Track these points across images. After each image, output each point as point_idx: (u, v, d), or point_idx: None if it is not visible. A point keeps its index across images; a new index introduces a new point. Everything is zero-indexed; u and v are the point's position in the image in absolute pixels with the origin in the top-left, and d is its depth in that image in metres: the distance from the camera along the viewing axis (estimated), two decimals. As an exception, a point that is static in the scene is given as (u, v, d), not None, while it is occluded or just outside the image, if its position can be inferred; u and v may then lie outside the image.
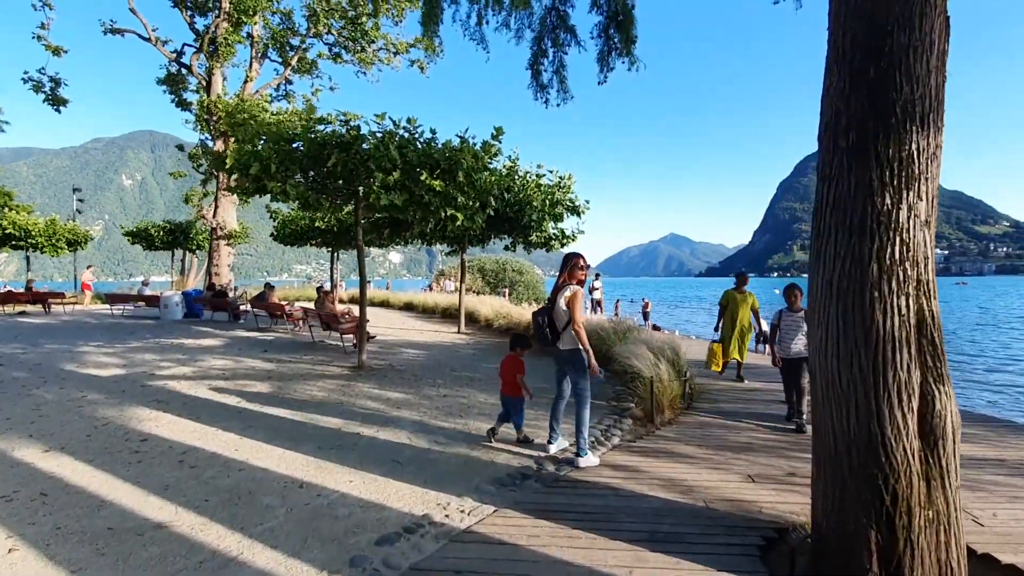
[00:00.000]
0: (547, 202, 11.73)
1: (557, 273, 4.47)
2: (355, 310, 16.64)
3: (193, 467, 4.00)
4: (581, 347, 4.15)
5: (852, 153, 2.34)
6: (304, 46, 24.41)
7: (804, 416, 5.28)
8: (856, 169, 2.32)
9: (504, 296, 23.22)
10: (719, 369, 7.93)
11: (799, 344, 5.46)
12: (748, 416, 5.69)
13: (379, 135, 6.86)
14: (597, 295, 18.04)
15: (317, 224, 14.91)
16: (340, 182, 7.24)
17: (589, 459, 4.23)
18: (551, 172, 11.98)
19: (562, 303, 4.27)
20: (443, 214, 7.86)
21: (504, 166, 10.85)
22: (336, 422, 5.28)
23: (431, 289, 27.96)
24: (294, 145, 6.89)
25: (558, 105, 6.33)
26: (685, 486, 3.78)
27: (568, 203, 12.15)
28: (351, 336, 10.17)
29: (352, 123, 6.56)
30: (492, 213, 10.23)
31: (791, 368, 5.52)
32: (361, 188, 7.21)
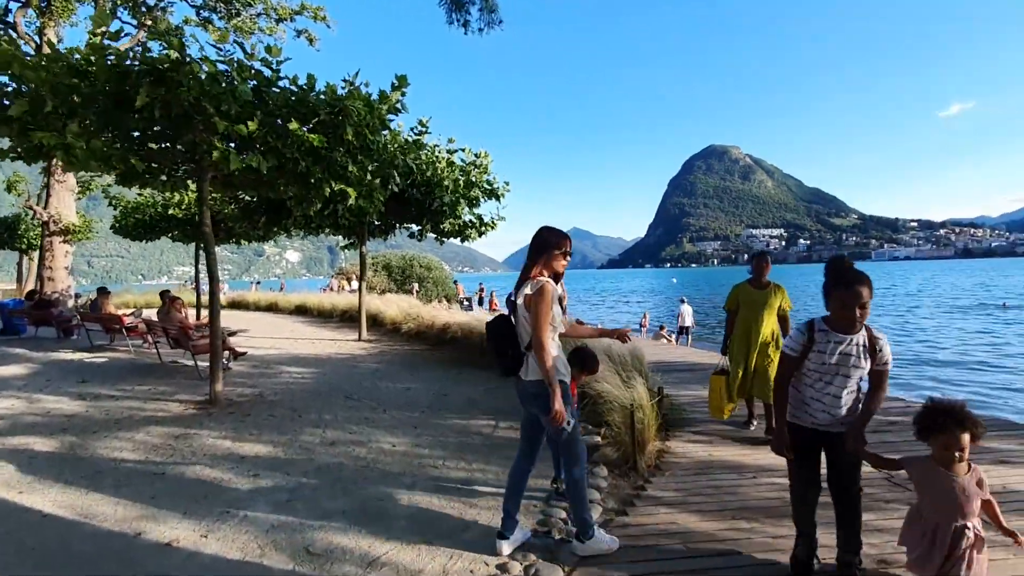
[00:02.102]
0: (461, 183, 9.93)
1: (523, 264, 2.79)
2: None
3: None
4: (545, 376, 2.49)
5: None
6: (162, 4, 20.39)
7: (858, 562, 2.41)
8: None
9: (413, 294, 21.06)
10: (727, 416, 4.60)
11: (843, 400, 2.31)
12: (744, 440, 4.34)
13: (223, 68, 4.67)
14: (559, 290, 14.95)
15: (172, 212, 11.87)
16: (161, 135, 4.94)
17: (600, 539, 2.68)
18: (463, 150, 10.19)
19: (522, 305, 2.57)
20: (329, 189, 5.80)
21: (403, 133, 8.83)
22: (136, 519, 3.14)
23: (330, 289, 24.97)
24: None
25: (480, 30, 4.59)
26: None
27: (486, 185, 10.43)
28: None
29: (169, 39, 4.28)
30: (395, 190, 8.24)
31: (813, 452, 2.41)
32: (201, 147, 4.94)
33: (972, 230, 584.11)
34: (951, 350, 16.10)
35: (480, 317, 9.38)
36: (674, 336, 15.13)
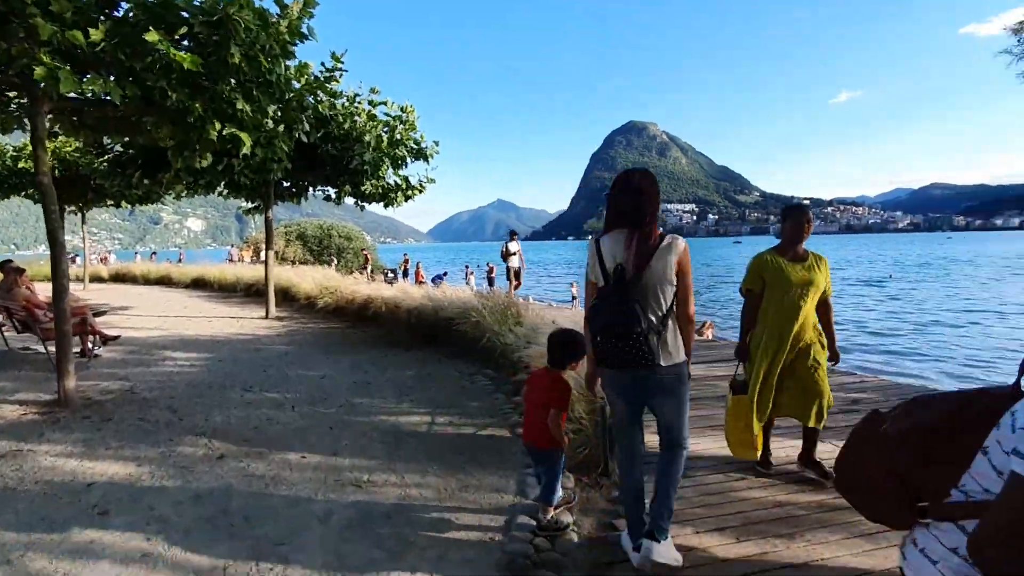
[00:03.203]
0: (385, 140, 8.77)
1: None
2: (88, 299, 11.75)
3: None
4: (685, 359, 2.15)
5: None
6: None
7: None
8: None
9: (331, 266, 19.38)
10: (758, 453, 3.15)
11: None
12: (711, 407, 3.85)
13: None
14: (515, 262, 11.78)
15: (23, 165, 9.65)
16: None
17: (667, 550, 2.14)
18: (387, 104, 8.98)
19: (672, 264, 2.08)
20: (215, 134, 4.57)
21: (313, 76, 7.51)
22: None
23: (231, 260, 22.57)
24: None
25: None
26: None
27: (412, 144, 9.32)
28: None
29: None
30: (305, 140, 6.99)
31: None
32: (20, 62, 3.57)
33: (854, 208, 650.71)
34: (881, 321, 17.21)
35: (409, 290, 8.42)
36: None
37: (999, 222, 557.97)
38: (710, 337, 9.20)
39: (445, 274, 22.45)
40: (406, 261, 21.69)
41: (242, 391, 5.01)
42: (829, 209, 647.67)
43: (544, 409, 2.51)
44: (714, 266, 55.06)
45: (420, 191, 9.71)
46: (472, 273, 23.15)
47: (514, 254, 11.75)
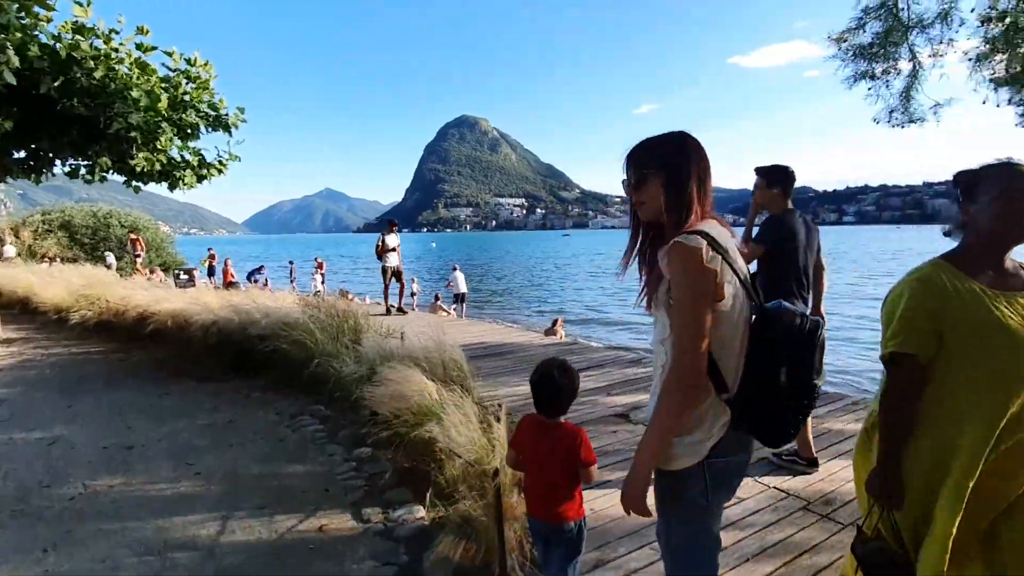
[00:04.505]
0: (164, 100, 6.59)
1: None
2: None
3: None
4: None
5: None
6: None
7: None
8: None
9: (111, 266, 15.18)
10: None
11: None
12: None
13: None
14: (394, 260, 8.99)
15: None
16: None
17: None
18: (170, 54, 6.78)
19: None
20: None
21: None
22: None
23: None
24: None
25: None
26: None
27: (207, 109, 7.22)
28: None
29: None
30: (11, 82, 4.72)
31: None
32: None
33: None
34: None
35: (204, 298, 6.44)
36: (452, 308, 14.07)
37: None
38: (563, 337, 8.84)
39: (262, 268, 19.20)
40: (212, 256, 18.00)
41: None
42: (626, 206, 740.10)
43: (567, 471, 1.69)
44: (555, 257, 57.95)
45: (220, 171, 7.64)
46: (295, 269, 20.41)
47: (393, 250, 8.97)
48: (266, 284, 17.28)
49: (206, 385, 4.97)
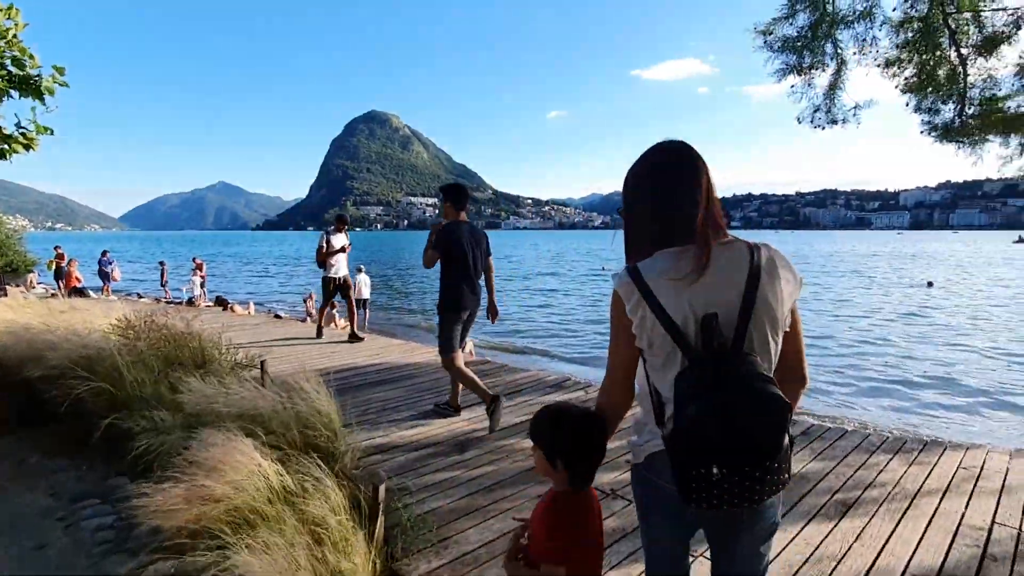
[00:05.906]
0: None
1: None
2: None
3: None
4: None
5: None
6: None
7: None
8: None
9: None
10: None
11: None
12: None
13: None
14: (341, 266, 6.88)
15: None
16: None
17: None
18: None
19: (785, 299, 1.04)
20: None
21: None
22: None
23: None
24: None
25: None
26: None
27: (12, 66, 5.46)
28: None
29: None
30: None
31: None
32: None
33: (564, 208, 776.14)
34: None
35: (30, 311, 4.75)
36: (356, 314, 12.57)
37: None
38: (472, 355, 7.84)
39: (105, 253, 15.91)
40: (60, 256, 14.87)
41: None
42: (546, 208, 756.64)
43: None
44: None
45: (28, 145, 5.86)
46: (166, 270, 17.70)
47: (341, 250, 6.88)
48: (109, 277, 14.64)
49: (21, 441, 3.48)
